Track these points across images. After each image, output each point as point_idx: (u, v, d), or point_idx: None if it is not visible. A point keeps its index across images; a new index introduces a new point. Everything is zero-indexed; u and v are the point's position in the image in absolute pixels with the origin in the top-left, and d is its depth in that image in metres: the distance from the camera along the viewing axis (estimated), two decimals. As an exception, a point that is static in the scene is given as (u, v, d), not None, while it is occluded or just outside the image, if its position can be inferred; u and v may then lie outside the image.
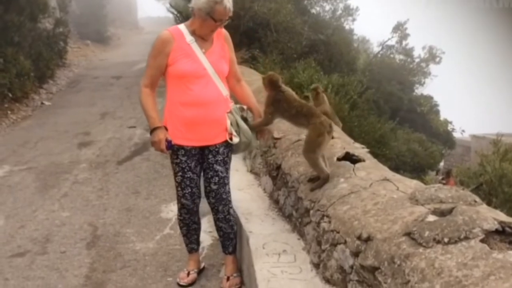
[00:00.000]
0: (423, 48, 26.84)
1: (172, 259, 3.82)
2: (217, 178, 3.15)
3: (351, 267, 2.30)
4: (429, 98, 27.24)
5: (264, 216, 3.60)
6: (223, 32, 3.18)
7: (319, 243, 2.72)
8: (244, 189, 4.26)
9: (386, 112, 18.42)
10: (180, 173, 3.18)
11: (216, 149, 3.12)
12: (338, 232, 2.47)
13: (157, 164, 6.32)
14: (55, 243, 4.20)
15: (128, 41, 27.22)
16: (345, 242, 2.37)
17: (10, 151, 7.40)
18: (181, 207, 3.30)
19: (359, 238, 2.26)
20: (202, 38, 3.05)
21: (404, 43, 25.58)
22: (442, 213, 2.08)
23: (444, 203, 2.17)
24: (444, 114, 27.41)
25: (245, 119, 3.20)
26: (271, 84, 3.11)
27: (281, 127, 4.22)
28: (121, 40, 27.19)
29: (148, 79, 3.10)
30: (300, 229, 3.15)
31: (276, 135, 4.15)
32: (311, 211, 2.92)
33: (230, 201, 3.25)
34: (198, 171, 3.21)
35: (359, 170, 2.98)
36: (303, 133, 3.91)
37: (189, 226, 3.38)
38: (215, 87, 3.06)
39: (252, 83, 6.10)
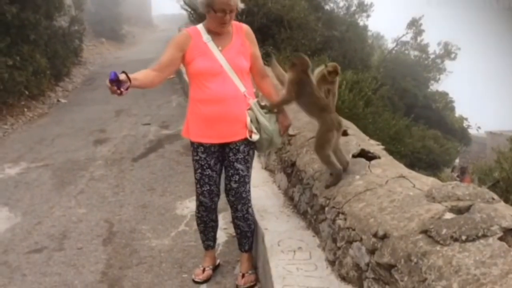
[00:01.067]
0: (438, 44, 26.60)
1: (188, 256, 3.84)
2: (237, 177, 3.13)
3: (367, 264, 2.30)
4: (444, 95, 26.98)
5: (279, 213, 3.61)
6: (244, 28, 3.17)
7: (334, 240, 2.71)
8: (259, 186, 4.26)
9: (401, 108, 18.29)
10: (199, 170, 3.19)
11: (237, 147, 3.09)
12: (353, 230, 2.47)
13: (172, 161, 6.35)
14: (72, 240, 4.25)
15: (143, 39, 27.36)
16: (361, 240, 2.37)
17: (27, 148, 7.49)
18: (199, 204, 3.31)
19: (375, 235, 2.25)
20: (218, 34, 3.05)
21: (419, 39, 25.40)
22: (459, 211, 2.06)
23: (462, 200, 2.16)
24: (459, 111, 27.14)
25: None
26: (302, 66, 3.05)
27: (295, 124, 4.21)
28: (135, 38, 27.35)
29: (156, 64, 3.09)
30: (315, 226, 3.14)
31: (290, 132, 4.15)
32: (326, 208, 2.92)
33: (249, 200, 3.23)
34: (217, 169, 3.20)
35: (375, 167, 2.97)
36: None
37: (206, 223, 3.38)
38: (232, 84, 3.03)
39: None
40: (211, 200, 3.27)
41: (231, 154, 3.11)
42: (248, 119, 3.05)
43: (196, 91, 3.08)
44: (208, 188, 3.22)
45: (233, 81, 3.03)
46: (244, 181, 3.15)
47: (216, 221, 3.43)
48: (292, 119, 4.32)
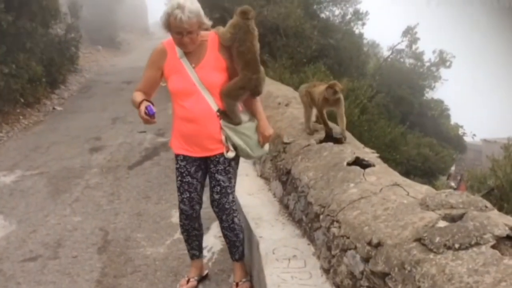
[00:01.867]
0: (433, 52, 26.70)
1: (182, 264, 3.84)
2: (219, 188, 3.12)
3: (362, 272, 2.30)
4: (439, 102, 27.06)
5: (274, 221, 3.61)
6: (218, 39, 3.03)
7: (329, 249, 2.72)
8: (254, 194, 4.26)
9: (397, 116, 18.32)
10: (179, 178, 3.19)
11: (217, 159, 3.08)
12: (348, 238, 2.47)
13: (168, 168, 6.35)
14: (67, 248, 4.24)
15: (139, 46, 27.37)
16: (355, 248, 2.37)
17: (22, 155, 7.48)
18: (181, 212, 3.30)
19: (369, 243, 2.26)
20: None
21: (414, 47, 25.48)
22: (452, 219, 2.07)
23: (455, 208, 2.17)
24: (455, 118, 27.22)
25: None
26: (241, 14, 3.00)
27: (291, 132, 4.23)
28: (131, 45, 27.37)
29: (141, 86, 3.13)
30: (310, 234, 3.15)
31: (285, 139, 4.16)
32: (321, 216, 2.92)
33: (234, 210, 3.20)
34: (199, 177, 3.19)
35: (369, 175, 2.98)
36: (312, 138, 3.93)
37: (189, 232, 3.36)
38: (205, 103, 2.99)
39: (262, 88, 6.13)
40: (191, 207, 3.25)
41: (211, 166, 3.11)
42: (223, 137, 3.03)
43: (175, 107, 3.11)
44: (188, 195, 3.21)
45: (206, 100, 2.99)
46: (226, 192, 3.13)
47: (199, 229, 3.40)
48: (288, 127, 4.36)
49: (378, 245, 2.19)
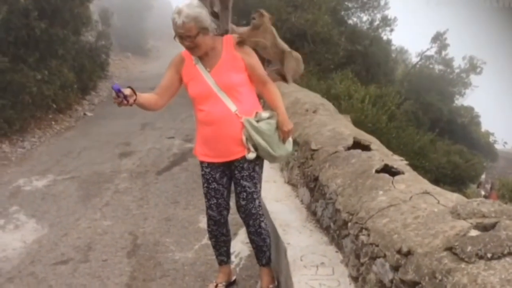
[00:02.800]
0: (463, 58, 26.33)
1: (210, 269, 3.86)
2: (245, 194, 3.13)
3: (391, 281, 2.28)
4: (469, 109, 26.63)
5: (301, 228, 3.60)
6: (234, 39, 3.12)
7: (357, 256, 2.70)
8: (281, 200, 4.27)
9: (425, 123, 18.11)
10: (205, 184, 3.22)
11: (241, 165, 3.10)
12: (377, 246, 2.45)
13: (195, 174, 6.40)
14: (97, 251, 4.31)
15: (167, 53, 27.61)
16: (385, 256, 2.35)
17: (54, 160, 7.65)
18: (208, 218, 3.32)
19: (399, 252, 2.24)
20: (205, 55, 3.05)
21: (443, 53, 25.17)
22: (484, 228, 2.04)
23: (487, 217, 2.13)
24: (485, 126, 26.76)
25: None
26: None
27: (319, 139, 4.23)
28: (160, 52, 27.70)
29: (157, 88, 3.17)
30: (338, 242, 3.14)
31: (313, 146, 4.16)
32: (349, 224, 2.91)
33: (261, 215, 3.20)
34: (224, 183, 3.21)
35: (399, 182, 2.95)
36: (340, 145, 3.92)
37: (217, 238, 3.38)
38: (223, 105, 3.01)
39: (289, 95, 6.15)
40: (219, 213, 3.27)
41: (236, 172, 3.13)
42: (244, 138, 3.03)
43: (195, 112, 3.15)
44: (215, 201, 3.23)
45: (224, 102, 3.01)
46: (252, 197, 3.14)
47: (227, 235, 3.41)
48: (315, 134, 4.36)
49: (408, 253, 2.17)
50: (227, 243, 3.44)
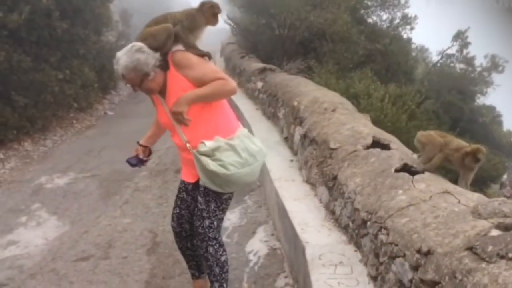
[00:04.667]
0: (485, 56, 25.97)
1: (230, 267, 3.87)
2: (196, 209, 3.00)
3: (410, 281, 2.27)
4: (491, 108, 26.27)
5: (320, 227, 3.60)
6: (172, 60, 2.84)
7: (376, 256, 2.69)
8: (300, 199, 4.26)
9: (446, 122, 17.88)
10: (176, 193, 3.18)
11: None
12: (396, 245, 2.44)
13: (214, 173, 6.43)
14: (117, 249, 4.36)
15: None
16: (404, 255, 2.34)
17: (75, 159, 7.75)
18: (172, 228, 3.23)
19: (418, 251, 2.22)
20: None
21: (465, 51, 24.86)
22: (506, 228, 2.02)
23: (509, 217, 2.11)
24: (507, 125, 26.33)
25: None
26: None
27: (337, 137, 4.21)
28: (179, 52, 27.89)
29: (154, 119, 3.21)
30: (356, 241, 3.12)
31: (332, 145, 4.14)
32: (368, 223, 2.90)
33: (210, 238, 2.95)
34: (196, 196, 3.06)
35: (418, 182, 2.93)
36: (359, 144, 3.90)
37: (182, 250, 3.25)
38: (177, 135, 2.91)
39: (308, 93, 6.13)
40: (179, 225, 3.16)
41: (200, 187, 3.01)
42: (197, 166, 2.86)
43: None
44: (178, 211, 3.14)
45: (177, 132, 2.89)
46: (201, 215, 2.95)
47: (193, 249, 3.22)
48: (334, 133, 4.34)
49: (428, 253, 2.15)
50: (195, 258, 3.26)
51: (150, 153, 3.15)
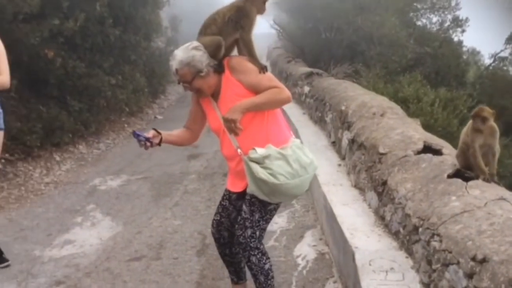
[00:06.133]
0: (542, 59, 24.92)
1: (277, 271, 3.89)
2: (239, 218, 2.98)
3: (464, 288, 2.24)
4: (548, 113, 25.16)
5: (369, 232, 3.58)
6: (229, 64, 2.89)
7: (429, 263, 2.66)
8: (348, 204, 4.25)
9: (499, 127, 17.30)
10: (220, 199, 3.20)
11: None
12: (450, 252, 2.41)
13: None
14: (168, 250, 4.48)
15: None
16: (458, 263, 2.31)
17: (127, 161, 7.99)
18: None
19: (473, 259, 2.19)
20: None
21: (519, 54, 23.96)
22: None
23: None
24: None
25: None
26: None
27: (387, 142, 4.18)
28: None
29: (187, 122, 3.20)
30: (408, 247, 3.09)
31: (381, 150, 4.11)
32: (420, 229, 2.86)
33: (252, 248, 2.92)
34: (238, 205, 3.05)
35: (472, 188, 2.88)
36: (409, 149, 3.85)
37: (222, 256, 3.27)
38: (229, 142, 2.90)
39: (356, 98, 6.10)
40: (218, 232, 3.16)
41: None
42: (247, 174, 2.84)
43: None
44: (218, 218, 3.15)
45: (229, 138, 2.88)
46: (244, 224, 2.92)
47: (232, 256, 3.23)
48: (383, 137, 4.31)
49: (483, 261, 2.12)
50: (234, 265, 3.27)
51: (159, 143, 3.03)
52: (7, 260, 4.29)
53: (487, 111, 3.01)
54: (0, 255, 4.31)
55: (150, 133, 2.95)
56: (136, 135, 2.93)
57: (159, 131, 3.01)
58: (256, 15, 2.96)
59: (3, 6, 6.78)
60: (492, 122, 3.02)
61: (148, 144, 2.94)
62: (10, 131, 6.38)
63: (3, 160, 6.81)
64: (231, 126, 2.76)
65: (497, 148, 3.08)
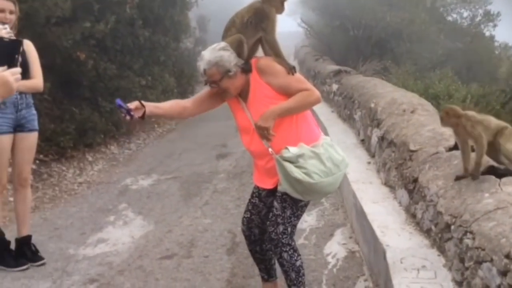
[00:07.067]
0: None
1: (307, 269, 3.87)
2: (271, 214, 2.99)
3: (498, 286, 2.20)
4: None
5: (400, 230, 3.55)
6: (256, 65, 2.92)
7: (462, 260, 2.63)
8: (378, 202, 4.22)
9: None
10: (249, 197, 3.22)
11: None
12: (483, 250, 2.38)
13: (290, 175, 6.49)
14: (199, 248, 4.52)
15: (259, 53, 28.13)
16: (492, 260, 2.27)
17: (158, 161, 8.09)
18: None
19: (507, 256, 2.16)
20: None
21: (554, 47, 23.31)
22: None
23: None
24: None
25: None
26: None
27: (417, 139, 4.13)
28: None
29: (194, 97, 3.22)
30: (440, 245, 3.06)
31: (412, 147, 4.07)
32: (452, 227, 2.83)
33: (284, 244, 2.94)
34: (268, 202, 3.08)
35: (506, 185, 2.83)
36: (440, 146, 3.80)
37: (252, 253, 3.28)
38: (258, 141, 2.89)
39: (385, 95, 6.04)
40: (248, 229, 3.19)
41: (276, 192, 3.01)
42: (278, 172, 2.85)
43: None
44: (248, 216, 3.17)
45: (257, 137, 2.88)
46: (276, 221, 2.94)
47: (262, 254, 3.24)
48: (414, 134, 4.26)
49: (518, 258, 2.09)
50: (264, 262, 3.29)
51: (142, 117, 2.91)
52: (42, 259, 4.40)
53: (444, 111, 3.11)
54: (36, 254, 4.42)
55: (132, 104, 2.86)
56: (118, 105, 2.81)
57: (144, 103, 2.91)
58: (276, 15, 2.97)
59: (36, 10, 6.94)
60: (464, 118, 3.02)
61: (128, 117, 2.84)
62: (44, 132, 6.55)
63: (37, 161, 6.96)
64: (264, 133, 2.78)
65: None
